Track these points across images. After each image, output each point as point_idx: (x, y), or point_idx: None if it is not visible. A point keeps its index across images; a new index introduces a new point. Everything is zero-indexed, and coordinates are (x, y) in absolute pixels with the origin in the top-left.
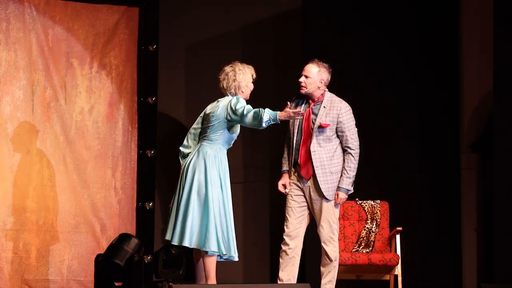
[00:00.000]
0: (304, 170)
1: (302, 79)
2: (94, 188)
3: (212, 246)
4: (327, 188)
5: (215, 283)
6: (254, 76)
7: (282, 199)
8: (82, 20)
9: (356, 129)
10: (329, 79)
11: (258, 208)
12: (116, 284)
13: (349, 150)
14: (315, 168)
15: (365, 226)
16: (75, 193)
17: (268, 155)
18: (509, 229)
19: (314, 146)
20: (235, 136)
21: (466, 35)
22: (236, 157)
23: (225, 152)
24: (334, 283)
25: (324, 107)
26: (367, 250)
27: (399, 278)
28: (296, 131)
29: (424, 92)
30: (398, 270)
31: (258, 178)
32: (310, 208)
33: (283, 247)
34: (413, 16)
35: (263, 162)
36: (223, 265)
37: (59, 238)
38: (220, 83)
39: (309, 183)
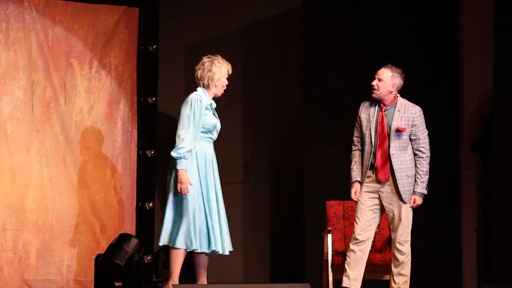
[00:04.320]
0: (382, 173)
1: (375, 82)
2: (94, 188)
3: (178, 243)
4: (405, 191)
5: (176, 282)
6: (230, 72)
7: (282, 199)
8: (82, 20)
9: (427, 132)
10: (402, 84)
11: (258, 208)
12: (116, 284)
13: (420, 154)
14: (395, 171)
15: None
16: (75, 193)
17: (268, 155)
18: (509, 229)
19: (393, 150)
20: (211, 127)
21: (466, 35)
22: (236, 157)
23: (207, 144)
24: (408, 278)
25: (398, 110)
26: None
27: None
28: (372, 135)
29: (424, 92)
30: None
31: (258, 178)
32: (387, 211)
33: (352, 247)
34: (414, 17)
35: (263, 162)
36: (223, 265)
37: (59, 238)
38: (195, 73)
39: (387, 186)
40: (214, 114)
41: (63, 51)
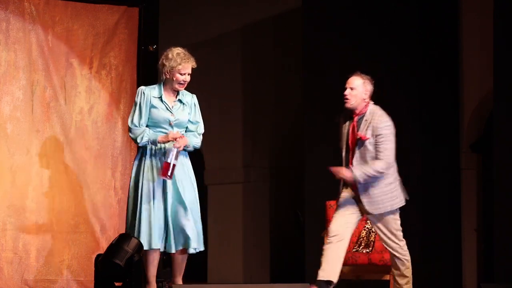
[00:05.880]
0: (354, 185)
1: (347, 91)
2: (94, 188)
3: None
4: (369, 202)
5: (151, 284)
6: (184, 68)
7: (282, 199)
8: (82, 20)
9: (392, 145)
10: (372, 90)
11: (258, 208)
12: (116, 284)
13: (378, 157)
14: (357, 183)
15: (365, 226)
16: (75, 193)
17: (268, 155)
18: (509, 229)
19: (355, 161)
20: (157, 121)
21: (466, 35)
22: (236, 157)
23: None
24: (411, 279)
25: (366, 120)
26: (367, 250)
27: None
28: (344, 146)
29: (424, 92)
30: None
31: (258, 178)
32: (370, 221)
33: (324, 246)
34: (414, 17)
35: (263, 162)
36: (223, 265)
37: (59, 238)
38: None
39: (359, 198)
40: (167, 108)
41: (63, 51)
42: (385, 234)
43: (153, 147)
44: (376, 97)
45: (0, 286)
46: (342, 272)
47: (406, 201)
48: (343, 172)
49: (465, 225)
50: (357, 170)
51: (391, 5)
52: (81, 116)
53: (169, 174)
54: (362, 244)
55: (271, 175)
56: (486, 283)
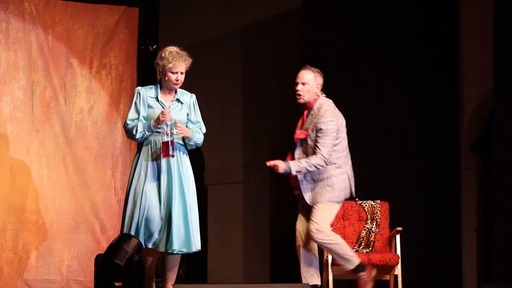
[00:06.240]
0: (292, 178)
1: (299, 87)
2: (94, 188)
3: None
4: (309, 196)
5: (149, 280)
6: (177, 67)
7: (282, 199)
8: (82, 20)
9: (331, 142)
10: (322, 83)
11: (258, 208)
12: (116, 284)
13: (316, 151)
14: (297, 176)
15: (365, 226)
16: (75, 193)
17: (268, 155)
18: (509, 229)
19: (297, 154)
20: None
21: (466, 35)
22: (236, 157)
23: (158, 138)
24: (340, 253)
25: (312, 114)
26: (367, 250)
27: (399, 278)
28: (295, 141)
29: (424, 92)
30: (398, 270)
31: (258, 178)
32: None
33: (296, 249)
34: (414, 16)
35: (263, 162)
36: (223, 265)
37: (58, 238)
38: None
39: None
40: (164, 107)
41: (63, 51)
42: (312, 219)
43: (151, 149)
44: (376, 97)
45: (0, 286)
46: (342, 272)
47: (407, 201)
48: (278, 165)
49: (465, 225)
50: (292, 163)
51: (391, 5)
52: (81, 116)
53: (170, 153)
54: (362, 244)
55: (271, 175)
56: (486, 283)
